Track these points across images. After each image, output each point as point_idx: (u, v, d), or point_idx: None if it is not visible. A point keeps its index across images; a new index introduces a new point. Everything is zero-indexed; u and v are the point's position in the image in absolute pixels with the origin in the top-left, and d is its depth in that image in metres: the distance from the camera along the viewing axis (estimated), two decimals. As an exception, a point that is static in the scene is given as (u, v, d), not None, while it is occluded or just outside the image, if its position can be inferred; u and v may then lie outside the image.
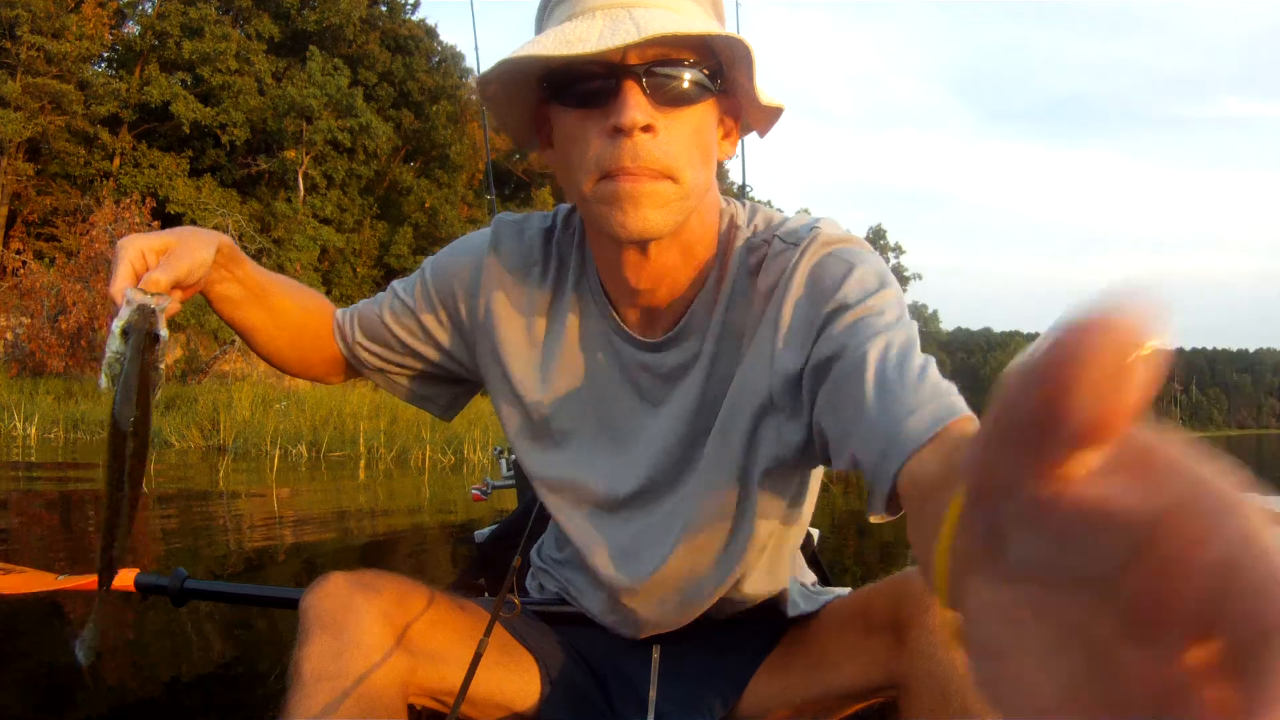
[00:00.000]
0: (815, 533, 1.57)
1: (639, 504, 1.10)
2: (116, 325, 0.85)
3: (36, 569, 1.77)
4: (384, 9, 34.23)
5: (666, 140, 0.87)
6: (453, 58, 36.04)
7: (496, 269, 1.12)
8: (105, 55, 28.05)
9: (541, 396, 1.11)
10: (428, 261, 1.18)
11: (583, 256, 1.10)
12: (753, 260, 1.01)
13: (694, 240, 0.99)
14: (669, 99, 0.87)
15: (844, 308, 0.90)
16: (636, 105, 0.85)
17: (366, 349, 1.18)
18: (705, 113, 0.91)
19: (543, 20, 0.95)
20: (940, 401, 0.74)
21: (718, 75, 0.91)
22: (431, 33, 35.53)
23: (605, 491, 1.11)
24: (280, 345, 1.16)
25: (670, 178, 0.88)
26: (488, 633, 1.01)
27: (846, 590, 1.26)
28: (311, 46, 29.74)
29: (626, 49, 0.84)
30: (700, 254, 1.01)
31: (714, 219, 1.02)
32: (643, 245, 0.94)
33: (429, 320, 1.16)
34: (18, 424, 11.52)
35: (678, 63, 0.87)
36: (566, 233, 1.12)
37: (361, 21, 31.97)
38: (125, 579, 1.67)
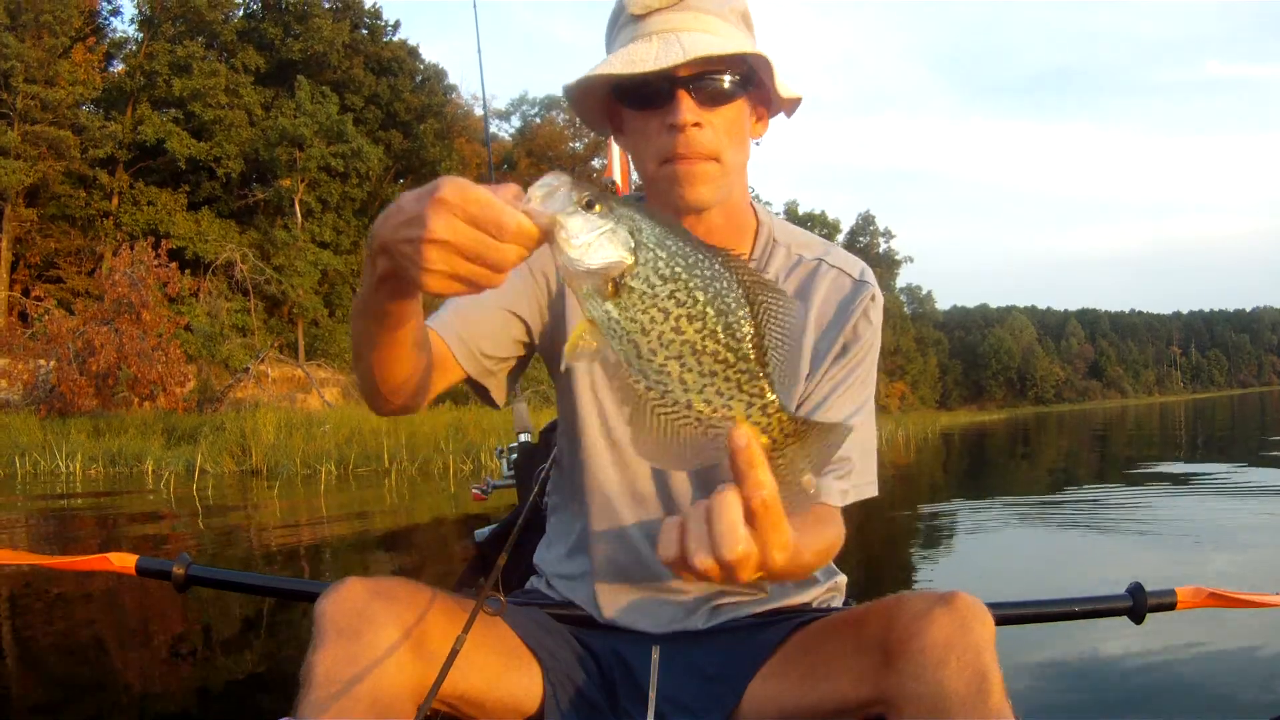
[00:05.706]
0: None
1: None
2: None
3: (32, 552, 1.84)
4: (365, 33, 34.67)
5: (711, 131, 1.11)
6: (436, 75, 36.53)
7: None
8: (95, 98, 28.48)
9: None
10: None
11: None
12: (801, 271, 1.25)
13: (735, 207, 1.23)
14: (711, 100, 1.11)
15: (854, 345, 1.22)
16: (687, 107, 1.09)
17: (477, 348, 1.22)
18: (739, 107, 1.14)
19: (611, 37, 1.17)
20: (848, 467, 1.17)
21: (748, 79, 1.13)
22: (414, 53, 35.99)
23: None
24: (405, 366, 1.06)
25: (715, 159, 1.12)
26: (466, 629, 1.04)
27: (843, 578, 1.39)
28: (299, 76, 30.21)
29: (677, 65, 1.07)
30: (740, 218, 1.25)
31: (746, 190, 1.25)
32: (699, 212, 1.17)
33: (521, 297, 1.24)
34: (60, 462, 11.99)
35: (716, 73, 1.10)
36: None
37: (345, 47, 32.45)
38: (126, 562, 1.64)
